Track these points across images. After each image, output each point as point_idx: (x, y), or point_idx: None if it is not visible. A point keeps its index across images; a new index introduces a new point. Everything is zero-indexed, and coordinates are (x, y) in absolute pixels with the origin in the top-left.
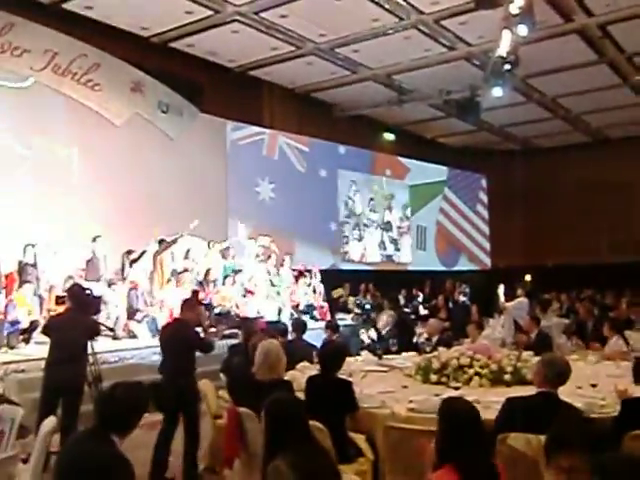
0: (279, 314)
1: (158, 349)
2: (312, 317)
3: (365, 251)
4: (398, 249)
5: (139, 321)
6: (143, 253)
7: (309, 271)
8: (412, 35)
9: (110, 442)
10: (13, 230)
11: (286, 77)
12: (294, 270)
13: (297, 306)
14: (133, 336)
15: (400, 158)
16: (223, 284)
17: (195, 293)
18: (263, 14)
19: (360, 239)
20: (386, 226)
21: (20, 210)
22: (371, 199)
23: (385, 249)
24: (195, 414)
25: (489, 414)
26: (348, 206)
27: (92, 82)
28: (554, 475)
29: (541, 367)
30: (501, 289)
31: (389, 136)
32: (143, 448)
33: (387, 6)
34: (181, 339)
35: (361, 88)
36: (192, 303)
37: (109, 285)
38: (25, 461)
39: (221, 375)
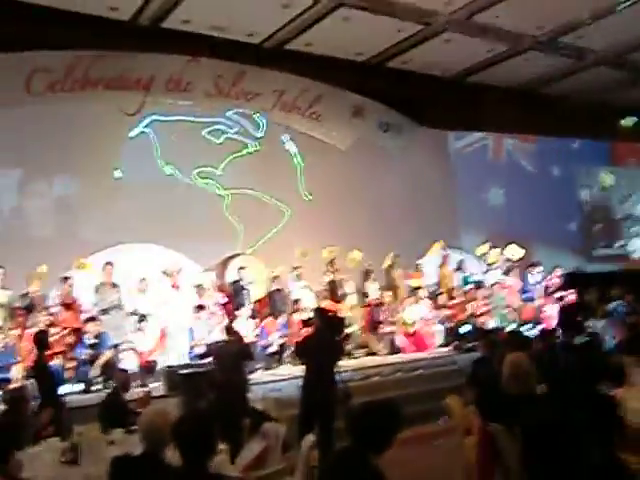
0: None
1: (400, 366)
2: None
3: None
4: None
5: (378, 338)
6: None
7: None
8: None
9: (366, 461)
10: (260, 259)
11: (505, 77)
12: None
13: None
14: (372, 353)
15: None
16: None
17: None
18: (475, 18)
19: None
20: None
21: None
22: None
23: None
24: None
25: None
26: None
27: (316, 113)
28: None
29: None
30: None
31: (629, 121)
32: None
33: None
34: None
35: (588, 75)
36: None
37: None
38: (290, 474)
39: (467, 389)
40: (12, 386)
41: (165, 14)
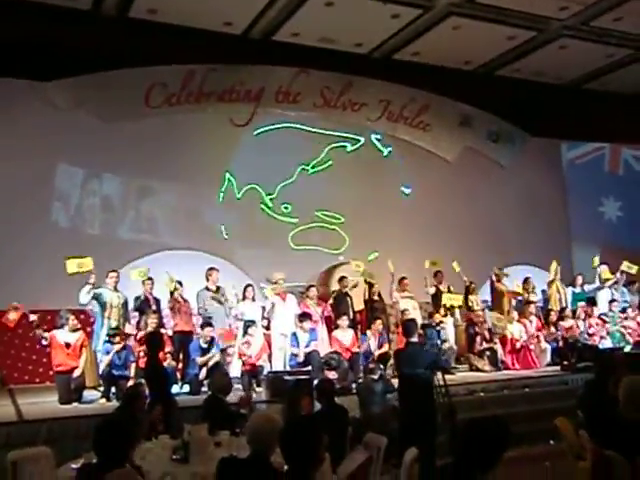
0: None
1: (506, 384)
2: None
3: None
4: None
5: (479, 354)
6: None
7: None
8: None
9: (472, 478)
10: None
11: (626, 83)
12: None
13: None
14: (477, 369)
15: None
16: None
17: None
18: (593, 23)
19: None
20: None
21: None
22: None
23: None
24: None
25: None
26: None
27: (423, 123)
28: None
29: None
30: None
31: None
32: None
33: None
34: None
35: None
36: None
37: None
38: None
39: (578, 412)
40: (129, 384)
41: (276, 28)
